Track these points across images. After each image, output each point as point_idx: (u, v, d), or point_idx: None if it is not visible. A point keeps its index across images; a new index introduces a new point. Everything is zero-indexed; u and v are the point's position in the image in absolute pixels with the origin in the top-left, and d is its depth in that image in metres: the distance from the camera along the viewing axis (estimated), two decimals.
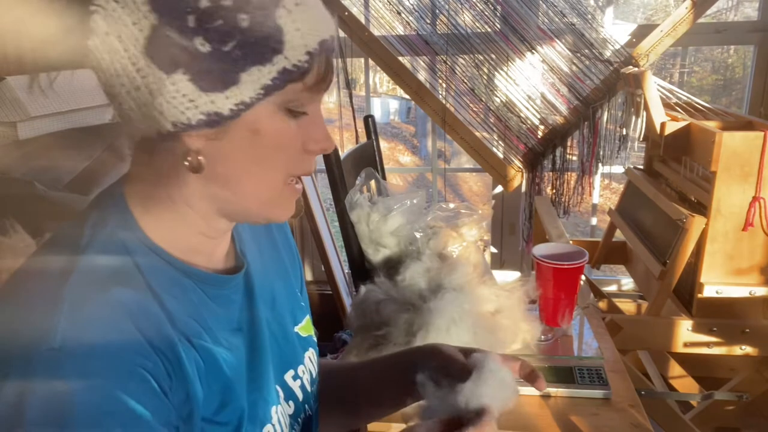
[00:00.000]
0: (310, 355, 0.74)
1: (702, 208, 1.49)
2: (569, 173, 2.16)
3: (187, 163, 0.51)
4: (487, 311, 1.11)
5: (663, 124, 1.60)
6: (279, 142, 0.54)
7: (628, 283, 2.34)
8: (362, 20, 2.11)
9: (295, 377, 0.69)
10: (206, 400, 0.53)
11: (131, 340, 0.47)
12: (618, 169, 2.12)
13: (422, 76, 2.14)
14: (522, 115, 2.11)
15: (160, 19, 0.46)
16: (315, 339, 0.77)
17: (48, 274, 0.50)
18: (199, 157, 0.51)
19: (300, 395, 0.69)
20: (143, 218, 0.55)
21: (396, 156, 9.79)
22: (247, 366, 0.60)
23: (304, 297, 0.81)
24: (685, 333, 1.50)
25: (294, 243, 0.82)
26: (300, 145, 0.55)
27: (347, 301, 2.16)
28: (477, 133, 2.15)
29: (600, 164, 2.12)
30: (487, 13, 2.05)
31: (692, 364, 1.74)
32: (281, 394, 0.65)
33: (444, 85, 2.12)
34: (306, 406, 0.70)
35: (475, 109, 2.13)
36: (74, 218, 0.56)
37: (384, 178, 1.65)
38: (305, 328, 0.75)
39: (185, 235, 0.57)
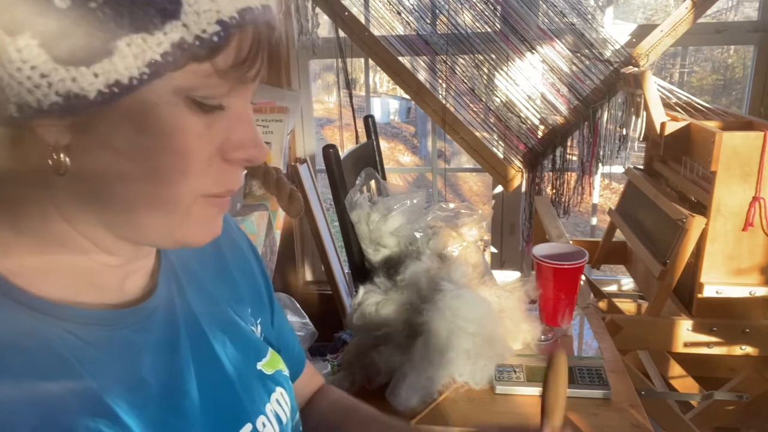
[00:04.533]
0: (278, 397, 0.58)
1: (702, 208, 1.49)
2: (569, 173, 2.16)
3: (51, 162, 0.38)
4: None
5: (663, 124, 1.59)
6: (178, 146, 0.39)
7: (628, 283, 2.34)
8: (362, 20, 2.11)
9: None
10: None
11: None
12: (618, 169, 2.12)
13: (422, 76, 2.14)
14: (522, 115, 2.11)
15: None
16: (286, 374, 0.62)
17: None
18: (62, 155, 0.37)
19: None
20: None
21: (396, 156, 9.80)
22: None
23: (278, 321, 0.68)
24: (685, 333, 1.50)
25: (259, 261, 0.67)
26: (214, 151, 0.41)
27: (347, 301, 2.16)
28: (477, 133, 2.15)
29: (600, 164, 2.12)
30: (487, 13, 2.05)
31: (692, 364, 1.74)
32: None
33: (444, 85, 2.12)
34: None
35: (475, 109, 2.13)
36: None
37: (384, 178, 1.65)
38: (271, 362, 0.60)
39: (65, 261, 0.42)
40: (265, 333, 0.65)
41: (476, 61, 2.09)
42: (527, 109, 2.10)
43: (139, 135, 0.38)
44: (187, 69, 0.37)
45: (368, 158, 1.60)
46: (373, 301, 1.08)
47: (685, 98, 1.76)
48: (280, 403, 0.58)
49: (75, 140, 0.38)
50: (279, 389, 0.59)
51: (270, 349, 0.62)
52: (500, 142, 2.15)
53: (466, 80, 2.11)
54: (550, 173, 2.17)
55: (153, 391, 0.45)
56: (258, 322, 0.64)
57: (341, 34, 2.10)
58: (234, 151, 0.42)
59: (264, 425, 0.53)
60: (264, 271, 0.68)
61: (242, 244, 0.66)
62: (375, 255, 1.26)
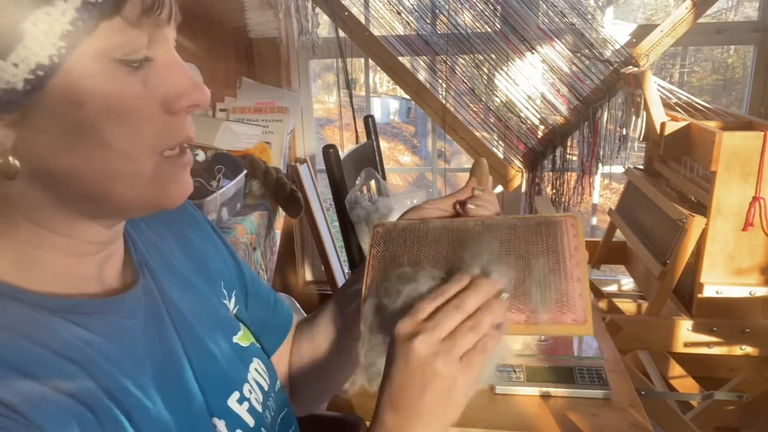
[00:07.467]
0: (257, 366, 0.60)
1: (702, 208, 1.49)
2: (569, 173, 2.16)
3: None
4: None
5: (663, 124, 1.59)
6: (119, 111, 0.38)
7: (628, 283, 2.34)
8: (362, 20, 2.11)
9: (242, 400, 0.54)
10: None
11: None
12: (618, 169, 2.12)
13: (422, 76, 2.14)
14: (522, 115, 2.11)
15: None
16: (258, 345, 0.64)
17: None
18: (9, 158, 0.37)
19: (251, 421, 0.54)
20: None
21: (396, 156, 9.80)
22: (169, 411, 0.46)
23: (254, 290, 0.70)
24: (685, 333, 1.50)
25: (220, 235, 0.68)
26: (158, 107, 0.41)
27: None
28: (477, 133, 2.15)
29: (600, 164, 2.12)
30: (487, 13, 2.05)
31: (692, 364, 1.74)
32: (222, 427, 0.50)
33: (444, 85, 2.12)
34: (262, 430, 0.56)
35: (475, 109, 2.13)
36: None
37: (384, 178, 1.66)
38: (245, 336, 0.62)
39: (42, 260, 0.43)
40: (240, 304, 0.67)
41: (476, 61, 2.09)
42: (527, 109, 2.10)
43: (78, 112, 0.37)
44: (100, 30, 0.36)
45: (368, 158, 1.60)
46: None
47: (685, 98, 1.76)
48: (259, 372, 0.60)
49: (18, 139, 0.37)
50: (256, 360, 0.61)
51: (241, 324, 0.63)
52: (500, 142, 2.15)
53: (466, 80, 2.11)
54: (550, 173, 2.17)
55: (154, 369, 0.46)
56: (233, 294, 0.65)
57: (341, 34, 2.10)
58: (177, 102, 0.41)
59: (250, 392, 0.56)
60: (227, 242, 0.69)
61: (201, 219, 0.67)
62: None
